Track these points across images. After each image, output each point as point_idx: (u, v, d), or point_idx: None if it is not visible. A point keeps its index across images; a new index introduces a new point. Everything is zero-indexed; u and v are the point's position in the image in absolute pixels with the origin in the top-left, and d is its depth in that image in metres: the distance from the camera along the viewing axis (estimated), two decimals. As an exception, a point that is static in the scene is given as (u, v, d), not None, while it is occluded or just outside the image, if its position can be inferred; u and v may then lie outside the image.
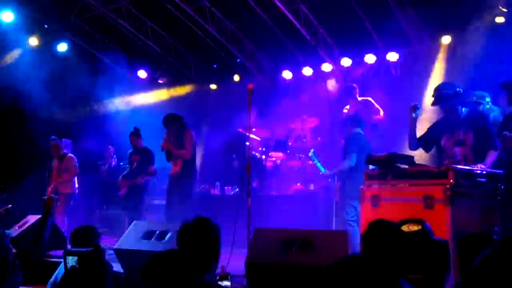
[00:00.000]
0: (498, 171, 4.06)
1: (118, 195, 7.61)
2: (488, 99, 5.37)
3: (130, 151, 7.69)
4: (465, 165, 4.15)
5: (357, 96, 7.65)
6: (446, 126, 4.52)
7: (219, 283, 2.77)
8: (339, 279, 1.84)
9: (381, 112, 7.48)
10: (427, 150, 4.79)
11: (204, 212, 7.58)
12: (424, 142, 4.72)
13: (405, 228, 3.13)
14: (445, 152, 4.48)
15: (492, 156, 4.24)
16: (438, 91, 4.52)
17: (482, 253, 1.16)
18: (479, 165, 4.07)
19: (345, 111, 7.54)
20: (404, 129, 7.14)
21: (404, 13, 8.60)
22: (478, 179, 3.91)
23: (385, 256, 2.29)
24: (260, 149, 8.59)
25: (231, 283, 3.82)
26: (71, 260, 1.81)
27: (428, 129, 4.75)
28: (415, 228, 3.08)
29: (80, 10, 10.38)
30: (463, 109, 4.51)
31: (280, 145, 8.56)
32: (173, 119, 6.48)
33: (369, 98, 7.65)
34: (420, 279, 2.86)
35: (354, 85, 7.86)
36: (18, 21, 9.71)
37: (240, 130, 8.69)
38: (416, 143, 4.72)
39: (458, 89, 4.47)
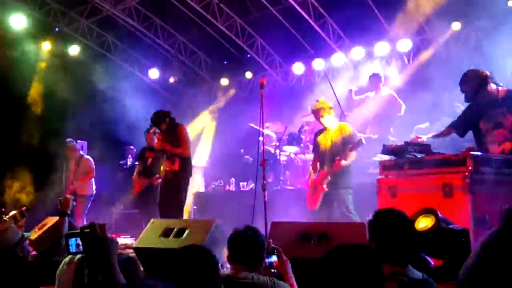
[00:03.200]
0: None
1: (134, 194, 7.63)
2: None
3: (143, 147, 7.69)
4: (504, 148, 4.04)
5: (381, 85, 7.61)
6: (483, 109, 4.35)
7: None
8: (327, 269, 1.82)
9: (403, 108, 7.42)
10: (462, 135, 4.65)
11: (221, 208, 7.60)
12: (459, 126, 4.58)
13: (418, 224, 3.09)
14: (484, 136, 4.34)
15: None
16: (463, 86, 4.36)
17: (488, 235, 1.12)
18: (495, 149, 3.99)
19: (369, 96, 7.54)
20: (420, 118, 7.13)
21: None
22: (497, 165, 3.84)
23: (391, 244, 2.28)
24: (273, 143, 8.57)
25: None
26: (74, 242, 1.78)
27: (464, 113, 4.59)
28: (428, 220, 3.03)
29: (90, 12, 10.45)
30: (499, 88, 4.33)
31: (293, 139, 8.51)
32: (162, 115, 6.22)
33: (393, 92, 7.60)
34: (441, 265, 2.83)
35: (379, 73, 7.82)
36: (29, 26, 9.81)
37: (251, 125, 8.66)
38: (448, 131, 4.60)
39: (483, 74, 4.31)
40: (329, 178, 5.39)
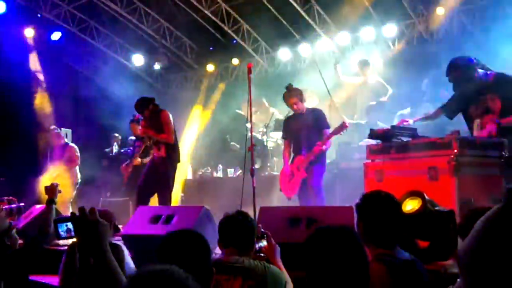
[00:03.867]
0: (501, 139, 4.03)
1: (122, 182, 7.60)
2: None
3: (131, 138, 7.65)
4: (490, 131, 4.08)
5: (369, 71, 7.63)
6: (472, 94, 4.37)
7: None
8: (312, 250, 1.84)
9: (389, 93, 7.46)
10: (451, 117, 4.69)
11: (209, 195, 7.59)
12: (449, 109, 4.62)
13: (405, 207, 3.13)
14: (472, 121, 4.37)
15: None
16: (449, 74, 4.37)
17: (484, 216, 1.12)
18: (482, 133, 4.04)
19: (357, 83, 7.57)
20: (402, 104, 7.19)
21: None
22: (482, 147, 3.90)
23: (378, 226, 2.31)
24: (260, 129, 8.57)
25: None
26: (64, 228, 1.76)
27: (454, 97, 4.60)
28: (415, 203, 3.08)
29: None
30: (488, 72, 4.34)
31: (280, 125, 8.50)
32: (146, 102, 6.16)
33: (380, 79, 7.63)
34: (429, 246, 2.88)
35: (367, 59, 7.84)
36: (10, 11, 9.59)
37: (238, 111, 8.64)
38: (436, 114, 4.64)
39: (469, 61, 4.32)
40: (307, 164, 5.42)
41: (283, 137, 6.08)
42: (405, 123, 4.53)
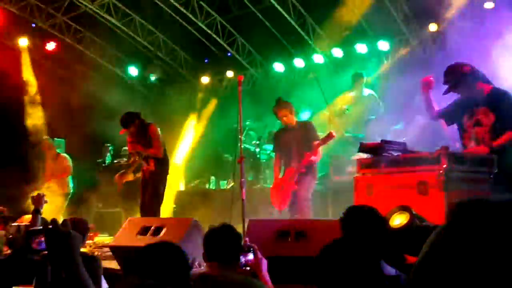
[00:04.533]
0: (491, 155, 4.04)
1: (115, 192, 7.57)
2: None
3: (125, 148, 7.63)
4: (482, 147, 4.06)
5: (363, 85, 7.67)
6: (467, 105, 4.28)
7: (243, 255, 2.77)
8: (325, 264, 1.84)
9: (380, 109, 7.49)
10: (448, 124, 4.60)
11: (201, 207, 7.56)
12: (446, 116, 4.54)
13: (392, 221, 3.12)
14: (466, 133, 4.30)
15: (509, 135, 4.02)
16: (446, 76, 4.26)
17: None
18: (474, 148, 4.05)
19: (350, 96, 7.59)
20: (395, 118, 7.22)
21: (393, 1, 8.60)
22: (471, 163, 3.91)
23: (362, 239, 2.30)
24: (254, 142, 8.58)
25: None
26: (37, 242, 1.76)
27: (451, 105, 4.49)
28: (403, 217, 3.07)
29: (67, 8, 10.29)
30: (484, 85, 4.25)
31: (273, 138, 8.52)
32: (131, 117, 6.07)
33: (374, 93, 7.67)
34: (416, 262, 2.86)
35: (361, 73, 7.89)
36: (5, 21, 9.61)
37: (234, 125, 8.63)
38: (437, 114, 4.53)
39: (468, 67, 4.22)
40: (297, 176, 5.43)
41: (274, 151, 6.09)
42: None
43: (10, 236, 4.28)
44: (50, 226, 1.58)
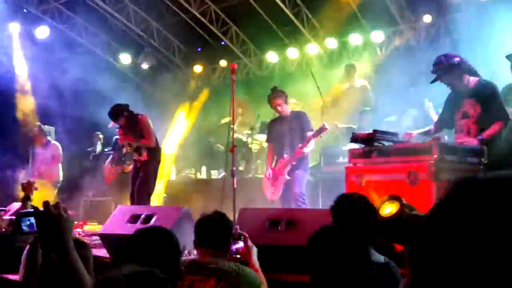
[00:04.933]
0: (482, 146, 4.04)
1: (106, 182, 7.53)
2: None
3: (116, 137, 7.57)
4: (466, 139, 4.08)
5: (355, 76, 7.65)
6: (456, 99, 4.34)
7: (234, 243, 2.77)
8: (315, 249, 1.85)
9: (372, 102, 7.48)
10: (451, 127, 4.57)
11: (192, 196, 7.55)
12: (444, 121, 4.56)
13: (383, 210, 3.13)
14: (455, 126, 4.34)
15: (496, 126, 4.07)
16: (434, 66, 4.29)
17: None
18: (465, 139, 4.06)
19: (343, 87, 7.57)
20: (388, 110, 7.22)
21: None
22: (462, 154, 3.91)
23: (352, 226, 2.30)
24: (245, 132, 8.55)
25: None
26: (26, 222, 1.73)
27: (444, 105, 4.55)
28: (393, 206, 3.07)
29: (60, -6, 10.17)
30: (470, 78, 4.28)
31: (265, 128, 8.50)
32: (120, 110, 6.05)
33: (367, 84, 7.65)
34: (404, 250, 2.88)
35: (354, 64, 7.86)
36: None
37: (224, 121, 8.59)
38: (436, 128, 4.59)
39: (457, 58, 4.25)
40: (289, 166, 5.42)
41: (267, 140, 6.07)
42: (412, 135, 4.47)
43: (3, 230, 4.24)
44: (42, 209, 1.55)
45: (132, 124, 6.03)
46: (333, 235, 1.88)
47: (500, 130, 4.11)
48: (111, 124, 6.09)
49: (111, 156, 7.68)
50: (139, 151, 6.06)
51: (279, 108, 5.61)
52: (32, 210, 1.69)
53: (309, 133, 5.49)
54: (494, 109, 4.14)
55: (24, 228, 1.71)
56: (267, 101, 5.80)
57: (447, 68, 4.23)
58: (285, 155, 5.51)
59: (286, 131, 5.57)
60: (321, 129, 5.33)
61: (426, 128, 4.74)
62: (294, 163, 5.43)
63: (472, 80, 4.31)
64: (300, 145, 5.39)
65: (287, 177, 5.43)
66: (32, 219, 1.68)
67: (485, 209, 0.60)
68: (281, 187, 5.50)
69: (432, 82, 4.36)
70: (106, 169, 7.59)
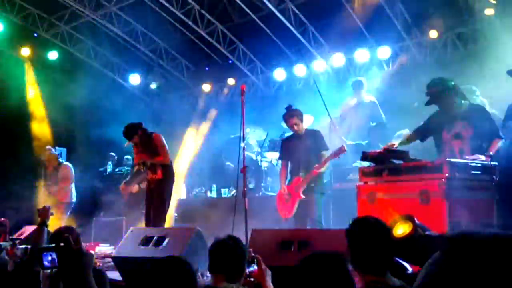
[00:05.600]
0: (493, 163, 4.06)
1: (116, 201, 7.57)
2: (478, 92, 5.39)
3: (126, 157, 7.63)
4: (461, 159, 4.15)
5: (363, 92, 7.65)
6: (446, 119, 4.48)
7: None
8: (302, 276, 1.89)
9: (382, 116, 7.49)
10: (422, 140, 4.78)
11: (202, 216, 7.57)
12: (422, 133, 4.71)
13: (396, 230, 3.13)
14: (444, 145, 4.45)
15: (496, 143, 4.23)
16: (428, 89, 4.47)
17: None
18: (477, 156, 4.07)
19: (351, 103, 7.59)
20: (399, 124, 7.22)
21: (393, 8, 8.64)
22: (473, 171, 3.92)
23: (368, 252, 2.31)
24: (255, 150, 8.58)
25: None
26: (48, 257, 1.76)
27: (428, 120, 4.69)
28: (406, 226, 3.07)
29: (70, 18, 10.35)
30: (462, 101, 4.45)
31: (275, 145, 8.52)
32: (133, 129, 6.08)
33: (375, 100, 7.66)
34: (419, 271, 2.87)
35: (361, 79, 7.88)
36: (7, 31, 9.67)
37: (233, 136, 8.62)
38: (415, 134, 4.74)
39: (450, 83, 4.42)
40: (306, 186, 5.41)
41: (280, 158, 6.04)
42: (393, 147, 4.55)
43: (18, 261, 4.26)
44: (62, 244, 1.58)
45: (146, 142, 6.06)
46: (322, 262, 1.91)
47: (498, 147, 4.24)
48: (127, 143, 6.13)
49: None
50: (154, 169, 6.07)
51: (295, 127, 5.61)
52: (54, 245, 1.73)
53: (324, 152, 5.49)
54: (486, 130, 4.29)
55: (46, 263, 1.74)
56: (283, 119, 5.81)
57: (440, 92, 4.38)
58: (301, 174, 5.50)
59: (301, 150, 5.57)
60: (340, 150, 5.32)
61: (405, 137, 4.86)
62: (311, 184, 5.41)
63: (464, 103, 4.47)
64: (316, 164, 5.39)
65: (302, 196, 5.41)
66: (54, 254, 1.71)
67: (478, 268, 0.63)
68: (295, 205, 5.48)
69: (427, 104, 4.54)
70: (122, 189, 7.67)
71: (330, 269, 1.91)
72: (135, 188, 7.28)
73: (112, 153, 9.60)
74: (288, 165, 5.78)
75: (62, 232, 3.51)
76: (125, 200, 7.44)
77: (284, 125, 8.53)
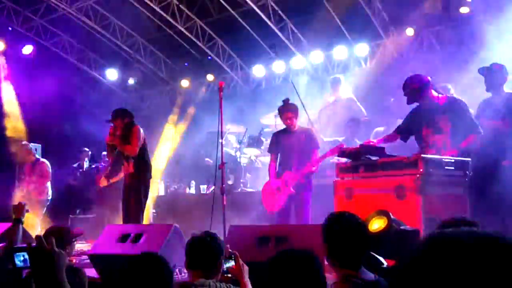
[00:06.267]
0: (466, 159, 4.14)
1: (92, 198, 7.48)
2: (452, 91, 5.50)
3: (104, 153, 7.54)
4: (444, 153, 4.20)
5: (340, 89, 7.70)
6: (425, 115, 4.52)
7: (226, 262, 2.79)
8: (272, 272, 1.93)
9: (363, 111, 7.55)
10: (405, 140, 4.81)
11: (181, 212, 7.54)
12: (403, 132, 4.75)
13: (371, 225, 3.18)
14: (425, 141, 4.49)
15: (471, 139, 4.27)
16: (406, 88, 4.51)
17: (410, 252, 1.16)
18: (447, 153, 4.14)
19: (329, 100, 7.64)
20: (377, 121, 7.31)
21: (371, 6, 8.73)
22: (447, 167, 3.99)
23: (343, 247, 2.34)
24: (234, 146, 8.57)
25: None
26: (20, 257, 1.73)
27: (407, 119, 4.74)
28: (381, 221, 3.12)
29: (45, 11, 10.16)
30: (439, 95, 4.51)
31: (254, 141, 8.53)
32: (123, 113, 6.08)
33: (352, 96, 7.72)
34: (394, 265, 2.92)
35: (339, 76, 7.92)
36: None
37: (213, 130, 8.60)
38: (395, 134, 4.79)
39: (426, 78, 4.46)
40: (296, 181, 5.43)
41: (270, 151, 5.99)
42: (371, 143, 4.61)
43: None
44: (34, 244, 1.55)
45: (126, 131, 6.01)
46: (290, 261, 1.95)
47: (474, 143, 4.29)
48: (110, 120, 6.08)
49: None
50: (128, 161, 6.03)
51: (289, 121, 5.60)
52: (26, 245, 1.69)
53: (317, 150, 5.52)
54: (465, 123, 4.33)
55: (18, 263, 1.71)
56: (278, 112, 5.80)
57: (418, 89, 4.43)
58: (293, 169, 5.52)
59: (294, 145, 5.56)
60: (337, 149, 5.30)
61: (386, 137, 4.91)
62: (301, 181, 5.44)
63: (442, 97, 4.52)
64: (308, 163, 5.41)
65: (292, 190, 5.43)
66: (26, 255, 1.68)
67: (454, 268, 0.65)
68: (284, 200, 5.48)
69: (408, 103, 4.59)
70: (98, 178, 7.56)
71: (299, 266, 1.95)
72: (104, 181, 7.19)
73: (86, 149, 9.44)
74: (277, 159, 5.78)
75: (56, 233, 3.47)
76: (100, 195, 7.34)
77: (262, 121, 8.62)
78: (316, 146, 5.60)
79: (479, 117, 4.60)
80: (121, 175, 6.86)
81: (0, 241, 5.38)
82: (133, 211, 5.90)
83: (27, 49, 10.29)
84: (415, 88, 4.43)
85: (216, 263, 2.67)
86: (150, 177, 6.16)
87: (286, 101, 5.68)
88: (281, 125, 7.84)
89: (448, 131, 4.35)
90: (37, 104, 9.90)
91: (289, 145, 5.62)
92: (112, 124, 6.07)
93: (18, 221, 3.85)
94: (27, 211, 4.00)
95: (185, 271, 3.88)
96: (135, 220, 5.77)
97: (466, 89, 5.68)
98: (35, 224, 7.35)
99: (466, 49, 7.48)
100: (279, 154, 5.76)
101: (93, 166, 9.23)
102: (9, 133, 9.62)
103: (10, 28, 10.26)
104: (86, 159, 9.43)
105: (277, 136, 5.90)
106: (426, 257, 0.70)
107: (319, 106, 8.05)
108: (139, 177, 5.99)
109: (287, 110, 5.61)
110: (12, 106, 9.96)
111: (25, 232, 4.85)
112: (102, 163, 9.11)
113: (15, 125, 9.71)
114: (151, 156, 6.56)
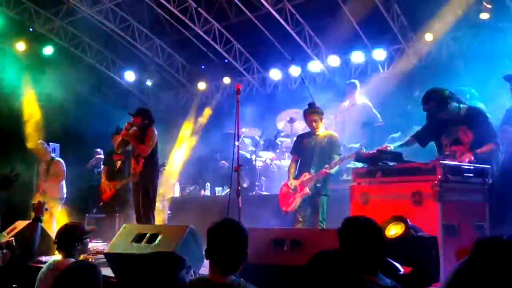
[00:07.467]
0: (485, 166, 4.08)
1: (104, 200, 7.55)
2: (476, 95, 5.43)
3: (109, 150, 7.62)
4: (460, 156, 4.15)
5: (357, 94, 7.67)
6: (445, 124, 4.48)
7: None
8: (311, 275, 1.91)
9: (379, 117, 7.50)
10: (423, 145, 4.78)
11: (196, 214, 7.57)
12: (422, 137, 4.71)
13: (388, 231, 3.15)
14: (444, 150, 4.44)
15: (488, 147, 4.21)
16: (425, 104, 4.44)
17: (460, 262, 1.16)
18: (466, 159, 4.09)
19: (344, 105, 7.62)
20: (393, 127, 7.25)
21: (390, 11, 8.68)
22: (466, 174, 3.94)
23: (360, 252, 2.32)
24: (249, 149, 8.58)
25: None
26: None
27: (427, 124, 4.69)
28: (398, 227, 3.10)
29: (65, 13, 10.31)
30: (461, 105, 4.44)
31: (270, 145, 8.53)
32: (146, 114, 6.23)
33: (368, 102, 7.67)
34: (410, 272, 2.89)
35: (355, 81, 7.89)
36: (3, 25, 9.62)
37: (231, 131, 8.62)
38: (412, 139, 4.76)
39: (447, 92, 4.39)
40: (313, 182, 5.46)
41: (292, 152, 6.07)
42: (388, 148, 4.57)
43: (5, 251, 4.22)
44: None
45: (142, 130, 6.15)
46: (330, 262, 1.92)
47: (492, 151, 4.22)
48: (133, 116, 6.25)
49: (103, 172, 7.70)
50: (137, 159, 6.14)
51: (314, 124, 5.64)
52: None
53: (337, 156, 5.53)
54: (485, 133, 4.28)
55: None
56: (303, 114, 5.83)
57: (437, 106, 4.36)
58: (311, 171, 5.54)
59: (316, 148, 5.60)
60: (351, 157, 5.32)
61: (404, 141, 4.87)
62: (318, 184, 5.45)
63: (463, 107, 4.45)
64: (327, 165, 5.42)
65: (309, 192, 5.45)
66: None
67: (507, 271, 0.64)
68: (298, 200, 5.53)
69: (427, 120, 4.56)
70: (103, 185, 7.59)
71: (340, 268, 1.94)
72: (121, 183, 7.27)
73: (98, 150, 9.52)
74: (298, 161, 5.82)
75: (70, 229, 3.54)
76: (104, 198, 7.43)
77: (279, 125, 8.62)
78: (337, 153, 5.61)
79: (504, 124, 4.54)
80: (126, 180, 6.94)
81: (19, 240, 5.47)
82: (144, 211, 6.01)
83: (48, 50, 10.45)
84: (434, 106, 4.35)
85: (238, 257, 2.66)
86: (158, 177, 6.28)
87: (311, 104, 5.74)
88: (297, 130, 7.88)
89: (468, 142, 4.31)
90: (57, 104, 10.04)
91: (310, 148, 5.67)
92: (131, 119, 6.20)
93: (38, 220, 3.91)
94: (47, 209, 4.06)
95: (200, 274, 3.90)
96: (145, 216, 5.87)
97: (490, 97, 5.61)
98: (50, 222, 7.43)
99: (488, 56, 7.38)
100: (299, 156, 5.81)
101: (99, 169, 9.30)
102: (28, 132, 9.77)
103: (31, 29, 10.43)
104: (94, 160, 9.51)
105: (300, 138, 5.97)
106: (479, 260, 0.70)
107: (335, 111, 8.01)
108: (147, 174, 6.09)
109: (312, 112, 5.67)
110: (31, 106, 10.11)
111: (43, 230, 4.92)
112: (94, 161, 9.20)
113: (35, 124, 9.86)
114: (167, 157, 6.65)
